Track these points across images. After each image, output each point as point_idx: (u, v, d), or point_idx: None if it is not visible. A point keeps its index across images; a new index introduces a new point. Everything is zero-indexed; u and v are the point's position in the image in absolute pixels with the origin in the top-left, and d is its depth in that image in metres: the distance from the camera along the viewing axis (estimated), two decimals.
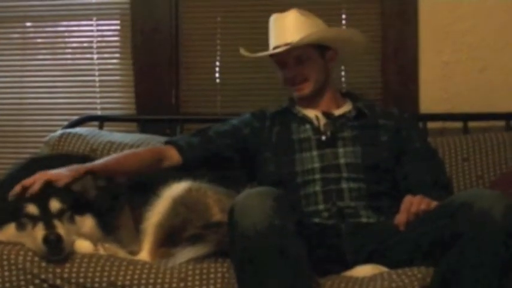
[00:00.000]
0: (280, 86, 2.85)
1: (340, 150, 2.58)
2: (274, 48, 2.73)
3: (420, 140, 2.72)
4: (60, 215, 2.22)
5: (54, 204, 2.22)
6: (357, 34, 2.83)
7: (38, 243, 2.15)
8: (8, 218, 2.23)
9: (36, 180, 2.24)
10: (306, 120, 2.69)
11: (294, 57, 2.68)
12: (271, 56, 2.77)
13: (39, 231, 2.15)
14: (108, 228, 2.32)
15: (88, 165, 2.43)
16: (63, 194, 2.25)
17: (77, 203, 2.27)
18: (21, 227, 2.21)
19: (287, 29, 2.72)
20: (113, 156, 2.64)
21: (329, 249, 2.31)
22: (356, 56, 3.03)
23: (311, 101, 2.73)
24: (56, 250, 2.15)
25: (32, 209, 2.20)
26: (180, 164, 2.65)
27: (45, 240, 2.13)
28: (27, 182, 2.24)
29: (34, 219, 2.19)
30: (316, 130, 2.65)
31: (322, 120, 2.67)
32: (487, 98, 3.34)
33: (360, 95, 2.87)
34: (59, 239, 2.14)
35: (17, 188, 2.24)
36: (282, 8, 3.25)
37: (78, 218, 2.26)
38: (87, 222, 2.28)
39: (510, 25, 3.32)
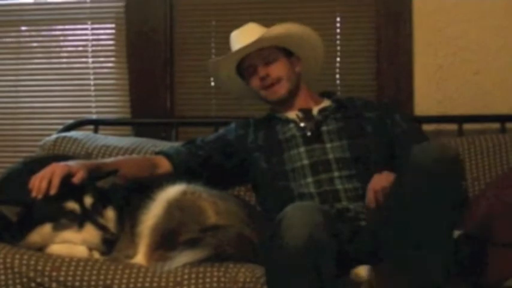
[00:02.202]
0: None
1: (328, 145, 2.61)
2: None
3: (405, 121, 2.75)
4: (94, 210, 2.27)
5: (88, 200, 2.26)
6: (313, 33, 2.85)
7: (97, 243, 2.22)
8: (46, 218, 2.22)
9: (55, 173, 2.23)
10: (289, 121, 2.73)
11: (262, 58, 2.73)
12: (240, 65, 2.81)
13: (93, 231, 2.22)
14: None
15: (93, 162, 2.48)
16: (91, 188, 2.29)
17: (101, 196, 2.32)
18: (59, 226, 2.23)
19: (247, 34, 2.76)
20: (112, 160, 2.68)
21: None
22: (317, 64, 2.98)
23: (287, 103, 2.77)
24: (113, 247, 2.24)
25: (73, 206, 2.23)
26: (171, 171, 2.67)
27: (105, 240, 2.22)
28: (45, 174, 2.23)
29: (76, 218, 2.23)
30: (300, 128, 2.68)
31: (301, 117, 2.70)
32: (482, 100, 3.35)
33: (335, 91, 2.90)
34: (116, 237, 2.25)
35: (40, 183, 2.21)
36: (276, 12, 3.28)
37: (103, 212, 2.31)
38: (110, 215, 2.33)
39: (504, 28, 3.33)
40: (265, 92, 2.76)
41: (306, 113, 2.73)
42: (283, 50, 2.79)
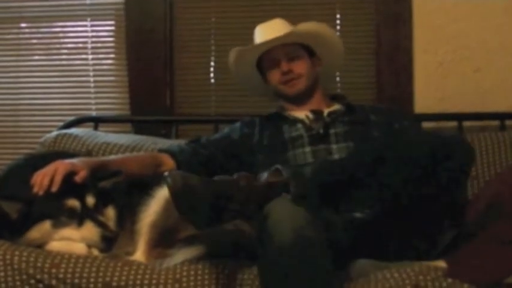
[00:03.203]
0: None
1: (334, 146, 2.63)
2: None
3: (414, 128, 2.76)
4: (95, 209, 2.27)
5: (90, 200, 2.27)
6: (337, 37, 2.95)
7: (95, 240, 2.22)
8: (46, 215, 2.23)
9: (58, 170, 2.23)
10: (297, 121, 2.74)
11: (285, 53, 2.77)
12: (261, 58, 2.85)
13: (92, 229, 2.23)
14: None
15: (97, 160, 2.49)
16: (93, 188, 2.30)
17: (102, 195, 2.33)
18: (59, 224, 2.23)
19: (275, 28, 2.80)
20: (116, 157, 2.70)
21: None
22: (334, 68, 3.08)
23: (302, 100, 2.80)
24: (112, 245, 2.23)
25: (74, 203, 2.23)
26: (174, 169, 2.66)
27: (104, 237, 2.22)
28: (48, 171, 2.24)
29: (76, 216, 2.23)
30: (308, 128, 2.69)
31: (311, 117, 2.71)
32: (482, 98, 3.34)
33: (346, 96, 2.93)
34: (115, 235, 2.25)
35: (42, 180, 2.22)
36: (276, 8, 3.27)
37: (104, 210, 2.32)
38: (110, 214, 2.34)
39: (504, 26, 3.33)
40: (283, 86, 2.80)
41: (317, 114, 2.74)
42: (306, 49, 2.82)
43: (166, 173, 2.05)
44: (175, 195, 2.01)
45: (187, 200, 2.01)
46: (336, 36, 2.94)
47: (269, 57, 2.81)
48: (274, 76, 2.81)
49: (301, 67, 2.78)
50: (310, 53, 2.85)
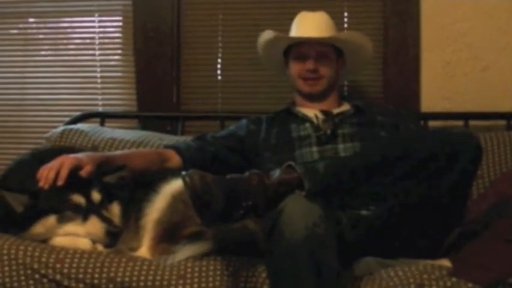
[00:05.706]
0: (284, 84, 2.91)
1: (340, 146, 2.64)
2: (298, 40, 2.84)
3: (420, 131, 2.78)
4: (101, 204, 2.27)
5: (96, 195, 2.27)
6: (370, 44, 2.97)
7: (100, 236, 2.22)
8: (51, 210, 2.23)
9: (64, 164, 2.24)
10: (305, 119, 2.75)
11: (317, 52, 2.79)
12: (290, 48, 2.86)
13: (97, 224, 2.23)
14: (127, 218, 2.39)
15: (103, 154, 2.51)
16: (98, 183, 2.30)
17: (107, 190, 2.33)
18: (64, 219, 2.24)
19: (315, 23, 2.83)
20: (121, 152, 2.70)
21: None
22: (357, 71, 3.15)
23: (315, 99, 2.81)
24: (116, 240, 2.23)
25: (79, 199, 2.24)
26: (180, 166, 2.67)
27: (108, 233, 2.21)
28: (54, 165, 2.24)
29: (81, 211, 2.23)
30: (316, 128, 2.69)
31: (321, 118, 2.70)
32: (488, 98, 3.34)
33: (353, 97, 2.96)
34: (120, 231, 2.24)
35: (48, 174, 2.22)
36: (284, 6, 3.26)
37: (109, 206, 2.32)
38: (115, 210, 2.34)
39: (511, 25, 3.32)
40: (302, 82, 2.81)
41: (327, 115, 2.74)
42: (336, 49, 2.84)
43: (183, 172, 2.06)
44: (193, 194, 2.02)
45: (203, 199, 2.02)
46: (370, 44, 2.97)
47: (299, 49, 2.82)
48: (297, 68, 2.82)
49: (326, 69, 2.80)
50: (339, 53, 2.87)
